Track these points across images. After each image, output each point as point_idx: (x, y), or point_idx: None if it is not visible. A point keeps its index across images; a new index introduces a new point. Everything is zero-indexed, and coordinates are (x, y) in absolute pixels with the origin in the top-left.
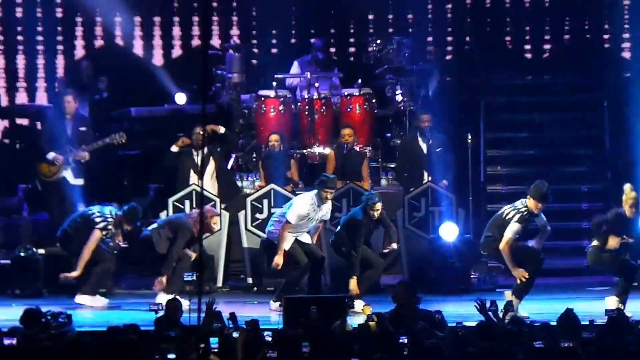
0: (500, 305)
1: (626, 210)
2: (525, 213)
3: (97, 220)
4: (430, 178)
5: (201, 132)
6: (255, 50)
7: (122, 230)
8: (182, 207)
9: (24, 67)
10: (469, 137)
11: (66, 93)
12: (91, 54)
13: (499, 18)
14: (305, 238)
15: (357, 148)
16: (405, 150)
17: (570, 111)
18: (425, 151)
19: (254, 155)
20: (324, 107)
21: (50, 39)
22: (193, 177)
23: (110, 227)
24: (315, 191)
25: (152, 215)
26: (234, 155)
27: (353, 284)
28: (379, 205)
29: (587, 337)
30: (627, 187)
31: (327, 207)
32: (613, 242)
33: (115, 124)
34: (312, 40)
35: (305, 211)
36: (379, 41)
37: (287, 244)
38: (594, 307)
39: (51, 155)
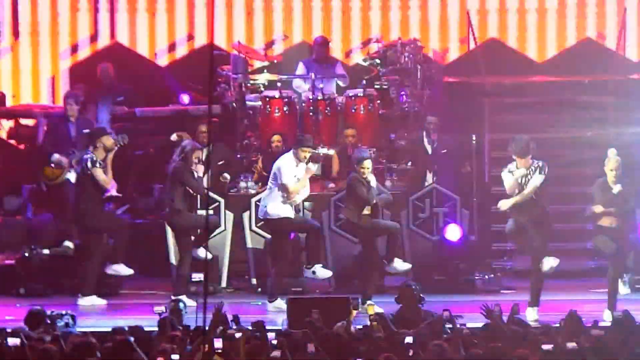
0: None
1: (607, 173)
2: (511, 166)
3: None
4: (434, 180)
5: (205, 131)
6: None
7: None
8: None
9: (30, 67)
10: (473, 138)
11: (67, 95)
12: (97, 54)
13: (504, 18)
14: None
15: (359, 146)
16: (408, 152)
17: (575, 112)
18: (429, 153)
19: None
20: (328, 108)
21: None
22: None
23: (95, 158)
24: (292, 151)
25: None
26: (237, 156)
27: None
28: (366, 164)
29: (592, 338)
30: (611, 151)
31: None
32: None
33: (118, 125)
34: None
35: (293, 168)
36: (383, 42)
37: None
38: (598, 309)
39: (55, 157)
